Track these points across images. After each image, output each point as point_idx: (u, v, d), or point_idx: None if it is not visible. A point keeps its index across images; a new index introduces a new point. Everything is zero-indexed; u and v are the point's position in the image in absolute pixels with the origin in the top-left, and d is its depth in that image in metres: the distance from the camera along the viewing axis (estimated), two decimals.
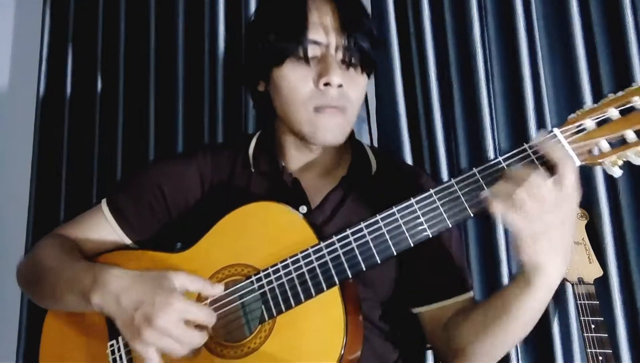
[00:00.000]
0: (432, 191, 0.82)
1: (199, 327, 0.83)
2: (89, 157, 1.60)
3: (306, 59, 0.93)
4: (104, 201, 1.06)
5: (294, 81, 0.94)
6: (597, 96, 1.32)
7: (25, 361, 1.51)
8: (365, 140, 1.45)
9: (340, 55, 0.95)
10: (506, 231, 1.33)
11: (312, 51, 0.94)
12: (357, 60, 0.96)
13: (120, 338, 0.92)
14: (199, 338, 0.82)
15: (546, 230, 0.75)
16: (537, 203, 0.74)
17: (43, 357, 1.00)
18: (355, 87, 0.97)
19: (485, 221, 1.35)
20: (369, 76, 1.02)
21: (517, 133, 1.38)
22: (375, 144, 1.47)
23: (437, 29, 1.44)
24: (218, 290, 0.87)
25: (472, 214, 0.80)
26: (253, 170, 1.04)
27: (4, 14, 1.81)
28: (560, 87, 1.38)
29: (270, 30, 0.97)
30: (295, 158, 1.04)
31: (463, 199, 0.80)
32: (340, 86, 0.94)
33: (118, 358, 0.91)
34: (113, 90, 1.61)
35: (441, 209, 0.81)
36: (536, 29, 1.38)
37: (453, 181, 0.82)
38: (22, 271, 1.08)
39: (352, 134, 1.09)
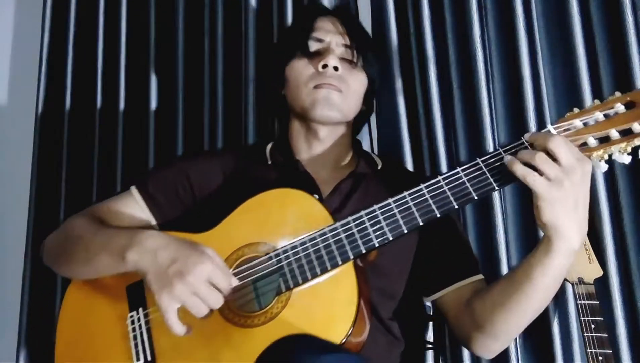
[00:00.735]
0: (459, 169, 0.89)
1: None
2: (89, 158, 1.60)
3: (309, 53, 1.12)
4: (132, 187, 1.13)
5: (299, 68, 1.12)
6: (597, 96, 1.32)
7: (25, 361, 1.51)
8: (366, 140, 1.46)
9: (339, 51, 1.13)
10: (506, 231, 1.33)
11: (315, 46, 1.13)
12: (355, 57, 1.13)
13: (140, 310, 0.96)
14: (219, 300, 0.87)
15: (565, 195, 0.81)
16: (557, 167, 0.80)
17: (62, 326, 1.03)
18: (352, 76, 1.12)
19: (485, 220, 1.35)
20: (373, 84, 1.17)
21: (517, 133, 1.37)
22: (376, 144, 1.47)
23: (437, 29, 1.44)
24: (234, 281, 0.90)
25: (496, 187, 0.87)
26: (270, 162, 1.15)
27: (4, 14, 1.82)
28: (560, 87, 1.38)
29: (283, 41, 1.23)
30: (306, 153, 1.16)
31: (488, 174, 0.87)
32: (336, 69, 1.09)
33: (137, 328, 0.95)
34: (113, 91, 1.61)
35: (467, 183, 0.87)
36: (536, 29, 1.38)
37: (479, 159, 0.88)
38: (51, 243, 1.12)
39: (356, 142, 1.23)
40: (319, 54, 1.12)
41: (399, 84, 1.44)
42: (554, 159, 0.81)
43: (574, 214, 0.83)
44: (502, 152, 0.87)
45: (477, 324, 1.00)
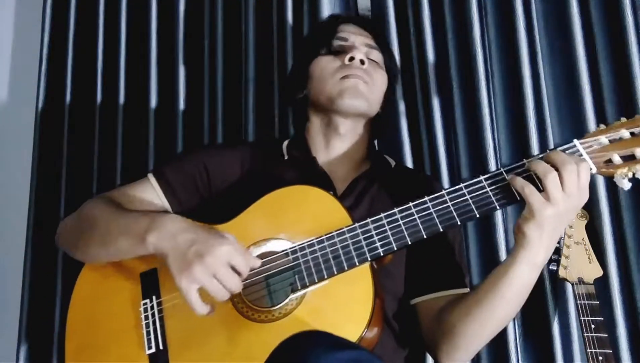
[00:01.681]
0: (462, 184, 0.90)
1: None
2: (89, 157, 1.60)
3: (334, 50, 1.14)
4: (150, 174, 1.13)
5: (325, 63, 1.13)
6: (597, 96, 1.32)
7: (25, 361, 1.51)
8: None
9: (364, 49, 1.15)
10: (506, 232, 1.33)
11: (339, 43, 1.15)
12: (380, 59, 1.17)
13: (153, 298, 0.96)
14: (238, 284, 0.87)
15: (554, 218, 0.84)
16: (563, 191, 0.82)
17: (73, 310, 1.02)
18: (377, 72, 1.15)
19: (485, 222, 1.35)
20: (391, 86, 1.20)
21: (517, 133, 1.38)
22: (376, 144, 1.47)
23: (437, 29, 1.44)
24: (256, 262, 0.91)
25: (498, 207, 0.88)
26: (286, 157, 1.15)
27: (4, 14, 1.81)
28: (560, 87, 1.38)
29: (308, 39, 1.28)
30: (324, 150, 1.16)
31: (491, 194, 0.88)
32: (362, 62, 1.11)
33: (150, 316, 0.95)
34: (113, 90, 1.61)
35: (470, 201, 0.89)
36: (536, 29, 1.38)
37: (482, 177, 0.90)
38: (66, 227, 1.12)
39: (372, 143, 1.23)
40: (344, 51, 1.13)
41: (398, 84, 1.44)
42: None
43: (551, 235, 0.87)
44: (504, 172, 0.89)
45: (444, 331, 1.00)
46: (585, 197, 0.85)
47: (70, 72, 1.65)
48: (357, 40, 1.15)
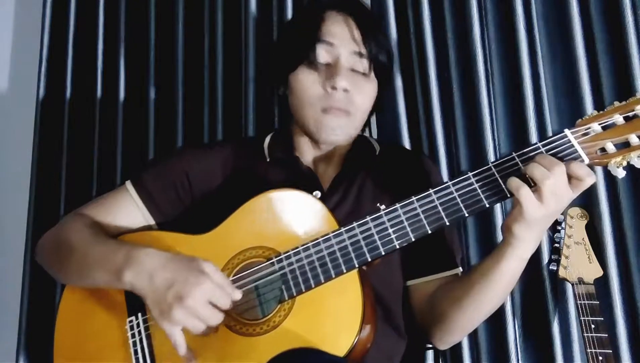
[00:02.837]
0: (449, 182, 0.87)
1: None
2: (89, 157, 1.60)
3: (315, 64, 1.04)
4: (128, 183, 1.09)
5: (306, 84, 1.05)
6: (597, 96, 1.32)
7: (25, 361, 1.51)
8: None
9: (350, 61, 1.05)
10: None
11: (323, 57, 1.04)
12: (367, 68, 1.06)
13: (139, 315, 0.94)
14: (220, 319, 0.86)
15: (544, 218, 0.84)
16: (557, 193, 0.81)
17: (59, 331, 1.01)
18: (362, 93, 1.06)
19: (485, 218, 1.35)
20: (383, 86, 1.11)
21: (517, 133, 1.38)
22: (373, 129, 1.47)
23: (437, 29, 1.44)
24: (237, 295, 0.87)
25: (487, 205, 0.86)
26: (268, 159, 1.11)
27: (4, 14, 1.81)
28: (560, 87, 1.38)
29: (287, 39, 1.12)
30: (309, 150, 1.12)
31: (480, 191, 0.86)
32: (346, 90, 1.03)
33: (137, 334, 0.93)
34: (113, 90, 1.61)
35: (458, 199, 0.86)
36: (536, 29, 1.38)
37: (470, 174, 0.87)
38: (45, 248, 1.09)
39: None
40: (327, 66, 1.04)
41: (399, 83, 1.44)
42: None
43: (538, 233, 0.88)
44: (492, 167, 0.86)
45: (435, 317, 1.02)
46: (571, 195, 0.83)
47: (70, 74, 1.65)
48: (344, 50, 1.04)
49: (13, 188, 1.70)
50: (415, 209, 0.87)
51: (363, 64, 1.06)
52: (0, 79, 1.79)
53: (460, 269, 1.09)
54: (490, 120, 1.37)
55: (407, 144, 1.42)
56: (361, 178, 1.09)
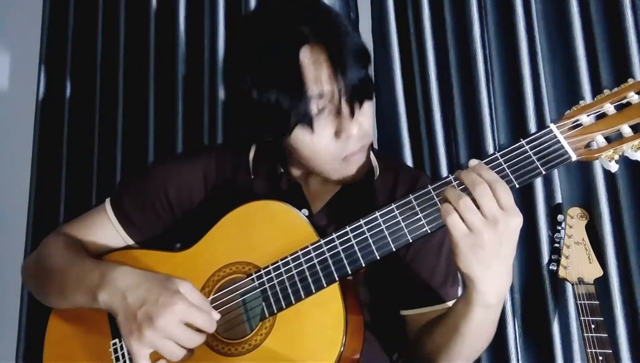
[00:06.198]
0: (430, 187, 0.82)
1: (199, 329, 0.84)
2: (89, 157, 1.60)
3: (313, 119, 0.87)
4: (107, 202, 1.07)
5: (313, 143, 0.90)
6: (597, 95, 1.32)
7: (25, 361, 1.51)
8: None
9: (345, 97, 0.87)
10: None
11: (318, 108, 0.87)
12: (362, 96, 0.89)
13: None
14: (197, 341, 0.83)
15: (482, 248, 0.74)
16: (479, 216, 0.73)
17: (47, 355, 1.01)
18: (368, 116, 0.93)
19: None
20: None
21: (517, 133, 1.37)
22: (375, 144, 1.47)
23: (437, 29, 1.44)
24: (215, 315, 0.85)
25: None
26: (252, 176, 1.03)
27: (4, 14, 1.81)
28: (560, 87, 1.38)
29: (268, 94, 0.87)
30: (299, 169, 1.03)
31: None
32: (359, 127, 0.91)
33: (120, 357, 0.92)
34: (113, 90, 1.61)
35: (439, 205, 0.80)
36: (536, 29, 1.38)
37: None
38: (28, 270, 1.09)
39: None
40: (326, 111, 0.88)
41: (399, 83, 1.44)
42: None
43: (490, 269, 0.75)
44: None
45: (423, 357, 0.96)
46: (513, 217, 0.73)
47: (70, 74, 1.65)
48: (335, 89, 0.86)
49: (13, 188, 1.70)
50: (395, 217, 0.83)
51: (357, 95, 0.89)
52: (0, 78, 1.79)
53: (449, 304, 0.99)
54: (490, 120, 1.37)
55: (407, 144, 1.42)
56: (355, 204, 1.00)
